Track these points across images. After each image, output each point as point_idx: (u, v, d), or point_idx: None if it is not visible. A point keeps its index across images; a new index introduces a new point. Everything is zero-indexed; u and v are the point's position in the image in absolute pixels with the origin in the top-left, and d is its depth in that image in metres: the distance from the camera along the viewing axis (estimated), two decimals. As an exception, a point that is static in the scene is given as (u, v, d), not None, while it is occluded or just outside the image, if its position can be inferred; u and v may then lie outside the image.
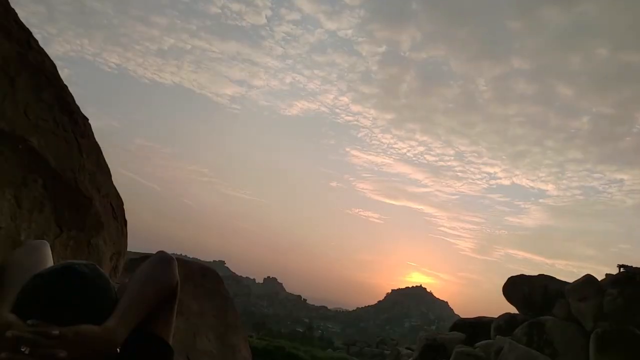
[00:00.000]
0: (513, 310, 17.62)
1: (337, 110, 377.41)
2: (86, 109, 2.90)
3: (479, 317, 19.19)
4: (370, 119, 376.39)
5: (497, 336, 15.70)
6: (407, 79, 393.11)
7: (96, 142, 3.01)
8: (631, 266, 14.99)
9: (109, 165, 3.18)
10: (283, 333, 74.40)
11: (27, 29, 2.54)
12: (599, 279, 15.19)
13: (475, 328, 17.64)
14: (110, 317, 1.09)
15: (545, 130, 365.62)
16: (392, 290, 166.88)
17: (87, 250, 2.74)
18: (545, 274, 17.64)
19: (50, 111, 2.46)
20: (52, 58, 2.63)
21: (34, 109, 2.34)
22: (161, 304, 1.25)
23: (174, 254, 1.52)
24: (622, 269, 15.09)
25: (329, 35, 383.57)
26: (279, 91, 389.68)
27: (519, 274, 17.96)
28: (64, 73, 2.74)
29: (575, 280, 15.49)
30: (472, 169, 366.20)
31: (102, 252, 2.90)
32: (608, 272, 15.42)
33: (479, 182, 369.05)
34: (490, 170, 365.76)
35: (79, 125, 2.74)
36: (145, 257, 5.86)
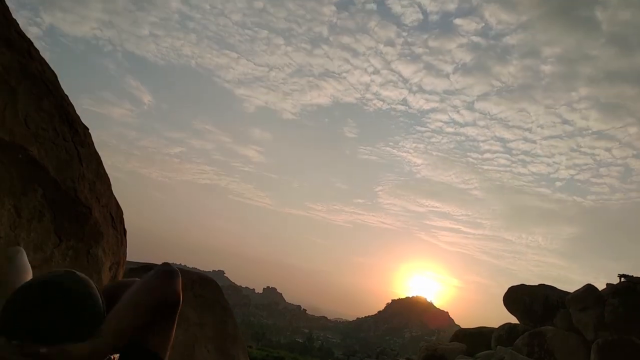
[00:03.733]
0: (513, 320, 17.54)
1: (369, 96, 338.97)
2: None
3: (479, 327, 19.11)
4: (404, 103, 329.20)
5: (498, 346, 15.62)
6: (456, 52, 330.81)
7: (96, 152, 3.02)
8: (632, 276, 14.95)
9: (111, 167, 3.19)
10: (282, 343, 73.96)
11: (28, 38, 2.55)
12: (600, 289, 15.16)
13: (476, 338, 17.57)
14: (99, 330, 1.06)
15: (618, 120, 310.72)
16: (392, 300, 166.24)
17: (86, 260, 2.73)
18: (546, 283, 17.62)
19: (50, 121, 2.47)
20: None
21: (34, 118, 2.34)
22: (160, 317, 1.23)
23: (173, 263, 1.51)
24: (622, 279, 15.05)
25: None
26: (296, 72, 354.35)
27: (519, 283, 17.95)
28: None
29: (576, 290, 15.44)
30: (521, 170, 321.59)
31: (101, 261, 2.89)
32: (609, 282, 15.39)
33: (530, 184, 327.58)
34: (544, 170, 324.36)
35: (79, 134, 2.75)
36: (144, 266, 5.83)
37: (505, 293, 17.69)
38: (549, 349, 14.56)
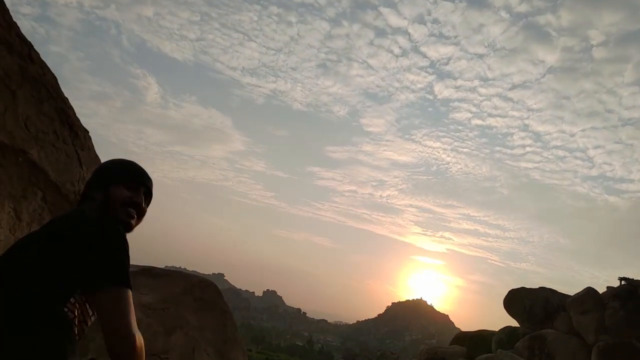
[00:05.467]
0: (514, 323, 17.51)
1: (405, 80, 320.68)
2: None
3: (479, 330, 19.08)
4: (431, 92, 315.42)
5: (499, 350, 15.58)
6: (494, 31, 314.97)
7: (96, 155, 3.02)
8: (632, 279, 14.93)
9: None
10: (282, 347, 73.86)
11: (29, 42, 2.56)
12: (600, 292, 15.14)
13: (476, 341, 17.54)
14: None
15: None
16: (393, 303, 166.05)
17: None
18: (546, 286, 17.58)
19: (50, 124, 2.47)
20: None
21: (34, 121, 2.34)
22: None
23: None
24: (623, 282, 15.03)
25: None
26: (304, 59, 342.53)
27: (520, 286, 17.92)
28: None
29: (577, 293, 15.42)
30: (552, 166, 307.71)
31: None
32: (609, 285, 15.37)
33: (561, 182, 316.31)
34: (577, 166, 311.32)
35: (79, 137, 2.75)
36: (144, 269, 5.83)
37: (506, 296, 17.67)
38: (549, 353, 14.53)
